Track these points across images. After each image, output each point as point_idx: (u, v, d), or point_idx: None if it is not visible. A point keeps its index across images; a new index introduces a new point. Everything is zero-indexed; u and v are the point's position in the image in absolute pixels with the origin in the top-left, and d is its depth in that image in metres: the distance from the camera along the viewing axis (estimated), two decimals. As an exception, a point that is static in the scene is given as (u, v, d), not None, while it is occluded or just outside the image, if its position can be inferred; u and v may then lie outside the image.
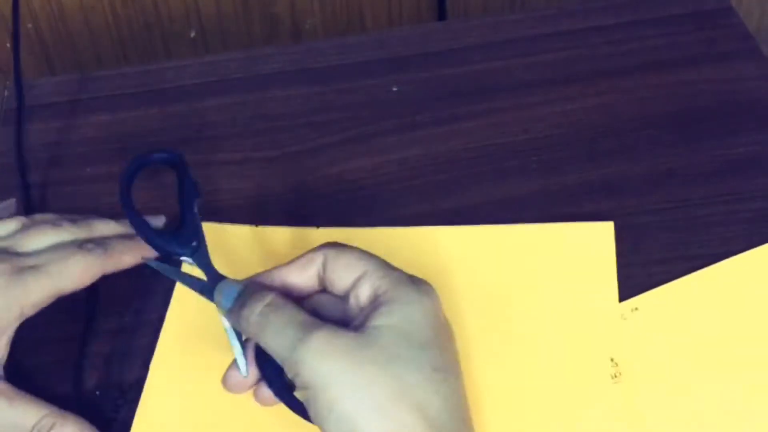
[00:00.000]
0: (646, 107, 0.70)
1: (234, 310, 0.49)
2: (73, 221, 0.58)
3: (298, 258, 0.50)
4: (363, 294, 0.48)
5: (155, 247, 0.52)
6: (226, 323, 0.50)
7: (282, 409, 0.48)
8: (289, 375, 0.46)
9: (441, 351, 0.47)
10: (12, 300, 0.53)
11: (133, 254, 0.57)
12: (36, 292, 0.53)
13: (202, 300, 0.51)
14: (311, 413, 0.45)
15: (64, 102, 0.74)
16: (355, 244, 0.50)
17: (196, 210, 0.53)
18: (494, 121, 0.71)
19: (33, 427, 0.51)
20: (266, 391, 0.50)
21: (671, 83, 0.72)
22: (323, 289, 0.50)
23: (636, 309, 0.57)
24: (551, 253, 0.60)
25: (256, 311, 0.47)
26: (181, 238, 0.52)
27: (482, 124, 0.70)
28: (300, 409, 0.47)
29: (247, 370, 0.50)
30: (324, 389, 0.44)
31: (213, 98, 0.74)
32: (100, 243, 0.57)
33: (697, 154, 0.67)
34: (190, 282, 0.52)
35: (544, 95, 0.72)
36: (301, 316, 0.47)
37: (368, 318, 0.47)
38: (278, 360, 0.46)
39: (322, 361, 0.44)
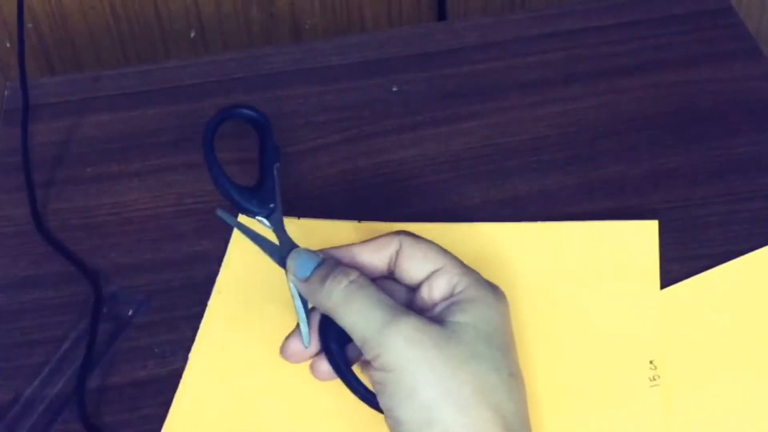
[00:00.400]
0: (646, 107, 0.70)
1: (312, 281, 0.49)
2: None
3: (373, 239, 0.50)
4: (438, 288, 0.48)
5: (233, 201, 0.51)
6: (294, 290, 0.50)
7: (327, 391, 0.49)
8: (368, 354, 0.46)
9: (513, 357, 0.47)
10: None
11: None
12: None
13: (247, 281, 0.52)
14: (385, 395, 0.45)
15: (64, 102, 0.74)
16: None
17: (275, 173, 0.52)
18: (494, 121, 0.71)
19: None
20: (324, 365, 0.49)
21: (671, 83, 0.72)
22: (388, 275, 0.50)
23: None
24: (594, 251, 0.59)
25: (340, 286, 0.47)
26: (259, 198, 0.51)
27: (482, 124, 0.70)
28: (357, 387, 0.47)
29: (310, 341, 0.49)
30: (408, 374, 0.44)
31: (213, 98, 0.74)
32: None
33: (697, 154, 0.67)
34: (261, 241, 0.51)
35: (544, 95, 0.72)
36: (388, 299, 0.47)
37: (446, 313, 0.47)
38: (357, 338, 0.46)
39: (410, 348, 0.45)
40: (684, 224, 0.62)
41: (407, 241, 0.50)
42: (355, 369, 0.50)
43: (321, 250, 0.50)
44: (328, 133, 0.71)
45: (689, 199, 0.64)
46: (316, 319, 0.50)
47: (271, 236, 0.52)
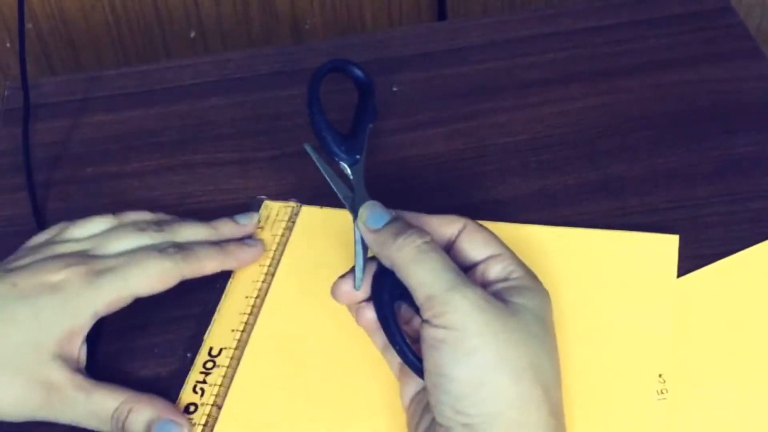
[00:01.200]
0: (646, 107, 0.70)
1: (384, 233, 0.50)
2: (159, 225, 0.59)
3: (440, 215, 0.52)
4: (493, 271, 0.50)
5: (324, 142, 0.53)
6: (358, 236, 0.52)
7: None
8: (430, 311, 0.47)
9: (557, 348, 0.49)
10: (85, 301, 0.54)
11: (215, 261, 0.58)
12: (109, 293, 0.54)
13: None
14: (440, 352, 0.46)
15: (64, 102, 0.74)
16: None
17: (367, 132, 0.54)
18: (494, 121, 0.71)
19: (112, 417, 0.52)
20: (369, 313, 0.51)
21: (671, 83, 0.72)
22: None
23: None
24: (612, 261, 0.59)
25: (414, 244, 0.49)
26: (349, 147, 0.53)
27: (482, 124, 0.70)
28: (397, 336, 0.49)
29: (361, 285, 0.51)
30: (471, 335, 0.46)
31: (213, 98, 0.74)
32: (182, 248, 0.57)
33: (697, 154, 0.67)
34: (338, 184, 0.53)
35: (544, 95, 0.72)
36: (457, 267, 0.48)
37: (503, 293, 0.49)
38: (422, 294, 0.48)
39: (477, 312, 0.46)
40: (684, 224, 0.62)
41: (471, 225, 0.52)
42: None
43: (393, 211, 0.52)
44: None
45: (689, 199, 0.64)
46: (371, 269, 0.52)
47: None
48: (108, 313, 0.55)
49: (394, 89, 0.73)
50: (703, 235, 0.61)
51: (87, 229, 0.59)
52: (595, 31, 0.77)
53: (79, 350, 0.54)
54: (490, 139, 0.69)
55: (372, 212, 0.52)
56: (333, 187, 0.53)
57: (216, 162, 0.69)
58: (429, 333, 0.47)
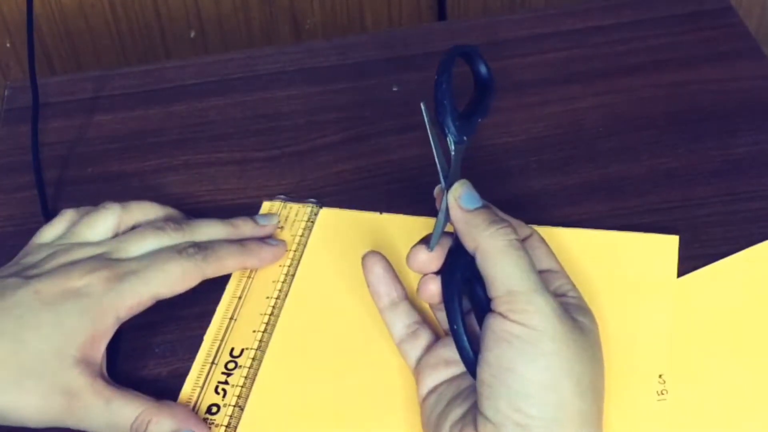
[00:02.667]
0: (646, 107, 0.70)
1: (476, 216, 0.50)
2: (178, 224, 0.59)
3: (512, 219, 0.53)
4: (551, 286, 0.50)
5: (442, 111, 0.53)
6: (444, 206, 0.51)
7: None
8: (507, 306, 0.47)
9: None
10: (108, 307, 0.54)
11: (236, 259, 0.58)
12: (131, 297, 0.54)
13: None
14: (513, 347, 0.46)
15: (64, 102, 0.74)
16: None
17: (480, 120, 0.55)
18: (494, 121, 0.71)
19: (131, 428, 0.52)
20: (433, 286, 0.52)
21: (671, 83, 0.72)
22: None
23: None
24: (612, 261, 0.59)
25: (509, 237, 0.49)
26: (462, 125, 0.53)
27: (482, 124, 0.70)
28: (457, 318, 0.49)
29: (434, 249, 0.51)
30: (549, 340, 0.46)
31: (213, 98, 0.74)
32: (202, 247, 0.57)
33: (697, 154, 0.67)
34: (439, 151, 0.53)
35: (544, 95, 0.72)
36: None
37: (571, 311, 0.49)
38: (502, 287, 0.48)
39: (557, 319, 0.47)
40: (684, 224, 0.62)
41: (537, 235, 0.53)
42: None
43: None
44: (329, 133, 0.71)
45: (689, 199, 0.64)
46: (447, 243, 0.52)
47: None
48: (130, 317, 0.55)
49: (394, 89, 0.73)
50: (703, 235, 0.62)
51: (99, 228, 0.59)
52: (595, 31, 0.77)
53: (101, 355, 0.54)
54: (490, 139, 0.69)
55: (468, 191, 0.52)
56: (434, 150, 0.53)
57: (216, 162, 0.69)
58: (502, 326, 0.47)
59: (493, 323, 0.47)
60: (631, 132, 0.69)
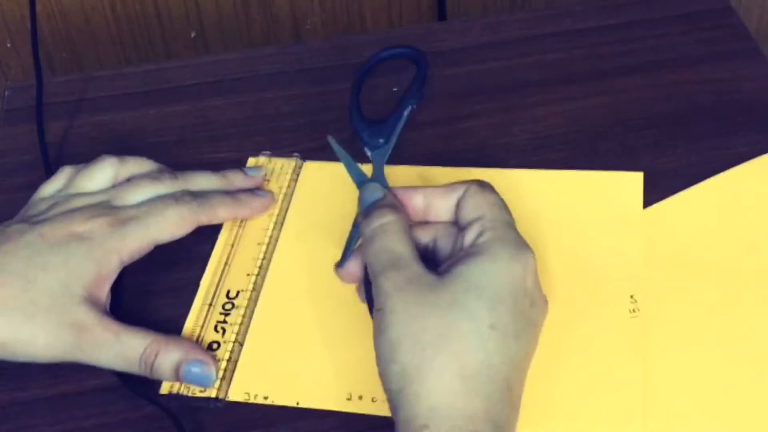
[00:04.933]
0: (646, 107, 0.70)
1: (362, 215, 0.54)
2: (173, 174, 0.62)
3: (447, 184, 0.54)
4: (470, 235, 0.52)
5: (354, 126, 0.56)
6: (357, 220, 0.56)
7: None
8: (373, 292, 0.51)
9: (511, 313, 0.49)
10: (111, 249, 0.57)
11: (228, 209, 0.62)
12: (132, 241, 0.58)
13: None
14: (373, 329, 0.50)
15: (64, 102, 0.74)
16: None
17: (405, 114, 0.57)
18: (494, 121, 0.71)
19: (140, 358, 0.54)
20: (362, 291, 0.55)
21: (671, 83, 0.72)
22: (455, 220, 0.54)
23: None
24: (580, 198, 0.63)
25: (371, 225, 0.53)
26: (374, 132, 0.56)
27: (482, 124, 0.70)
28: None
29: (343, 266, 0.56)
30: (386, 314, 0.49)
31: (213, 98, 0.75)
32: (196, 195, 0.61)
33: (697, 154, 0.67)
34: (353, 172, 0.57)
35: (544, 95, 0.72)
36: (400, 247, 0.51)
37: (455, 263, 0.50)
38: (370, 275, 0.52)
39: (395, 292, 0.49)
40: (684, 224, 0.62)
41: (472, 189, 0.53)
42: None
43: (396, 188, 0.55)
44: (328, 133, 0.71)
45: (689, 199, 0.64)
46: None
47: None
48: (131, 261, 0.58)
49: (394, 89, 0.73)
50: (703, 235, 0.61)
51: (97, 179, 0.61)
52: (595, 31, 0.77)
53: (106, 296, 0.57)
54: (490, 139, 0.69)
55: (363, 194, 0.55)
56: (348, 172, 0.56)
57: (216, 162, 0.69)
58: (373, 312, 0.51)
59: None
60: (631, 132, 0.69)
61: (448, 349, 0.47)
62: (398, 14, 1.12)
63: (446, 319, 0.48)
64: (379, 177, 0.56)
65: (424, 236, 0.54)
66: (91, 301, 0.55)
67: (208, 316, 0.59)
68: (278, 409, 0.55)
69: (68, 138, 0.72)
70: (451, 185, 0.54)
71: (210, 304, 0.59)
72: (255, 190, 0.64)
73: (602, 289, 0.58)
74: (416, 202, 0.55)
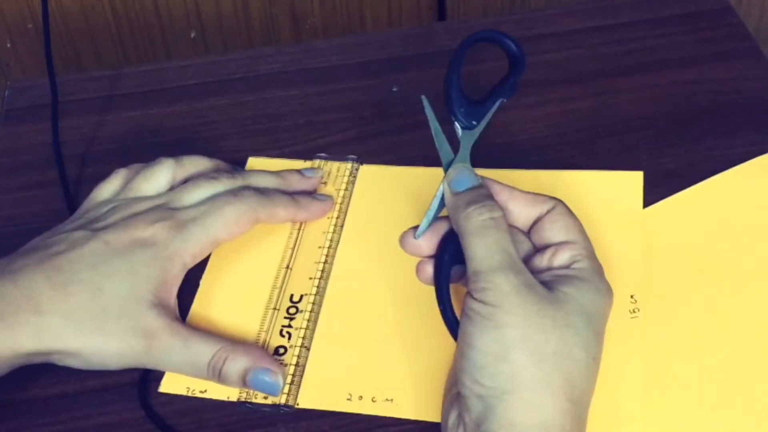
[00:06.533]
0: (646, 107, 0.70)
1: (460, 198, 0.52)
2: (230, 173, 0.62)
3: (531, 192, 0.54)
4: (561, 258, 0.51)
5: (446, 99, 0.55)
6: (440, 193, 0.54)
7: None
8: (474, 285, 0.49)
9: (601, 347, 0.50)
10: (174, 253, 0.57)
11: (287, 209, 0.61)
12: (193, 244, 0.58)
13: None
14: (473, 322, 0.48)
15: (64, 102, 0.74)
16: None
17: (497, 106, 0.56)
18: (493, 121, 0.70)
19: (208, 365, 0.54)
20: (429, 270, 0.53)
21: (671, 83, 0.72)
22: (522, 230, 0.54)
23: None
24: (581, 197, 0.62)
25: (481, 217, 0.51)
26: (470, 111, 0.55)
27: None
28: (445, 301, 0.51)
29: (421, 236, 0.53)
30: (503, 312, 0.47)
31: (213, 98, 0.75)
32: (256, 191, 0.60)
33: (697, 154, 0.67)
34: (442, 141, 0.55)
35: (544, 95, 0.72)
36: (512, 248, 0.50)
37: (559, 281, 0.50)
38: (471, 267, 0.50)
39: (515, 294, 0.48)
40: (684, 224, 0.62)
41: (560, 207, 0.53)
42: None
43: (485, 178, 0.54)
44: (329, 133, 0.71)
45: (689, 199, 0.64)
46: (443, 228, 0.53)
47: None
48: (195, 263, 0.58)
49: (394, 89, 0.73)
50: (703, 235, 0.62)
51: (156, 181, 0.61)
52: (595, 31, 0.77)
53: (174, 301, 0.57)
54: (490, 139, 0.69)
55: (459, 174, 0.54)
56: (435, 141, 0.55)
57: (216, 162, 0.69)
58: (468, 304, 0.49)
59: (464, 302, 0.49)
60: (631, 132, 0.69)
61: (563, 370, 0.47)
62: (398, 14, 1.12)
63: (565, 340, 0.48)
64: (464, 157, 0.55)
65: None
66: (160, 307, 0.55)
67: (273, 321, 0.58)
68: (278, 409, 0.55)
69: (68, 138, 0.72)
70: (538, 196, 0.53)
71: (274, 308, 0.59)
72: (313, 194, 0.64)
73: None
74: (499, 199, 0.53)
